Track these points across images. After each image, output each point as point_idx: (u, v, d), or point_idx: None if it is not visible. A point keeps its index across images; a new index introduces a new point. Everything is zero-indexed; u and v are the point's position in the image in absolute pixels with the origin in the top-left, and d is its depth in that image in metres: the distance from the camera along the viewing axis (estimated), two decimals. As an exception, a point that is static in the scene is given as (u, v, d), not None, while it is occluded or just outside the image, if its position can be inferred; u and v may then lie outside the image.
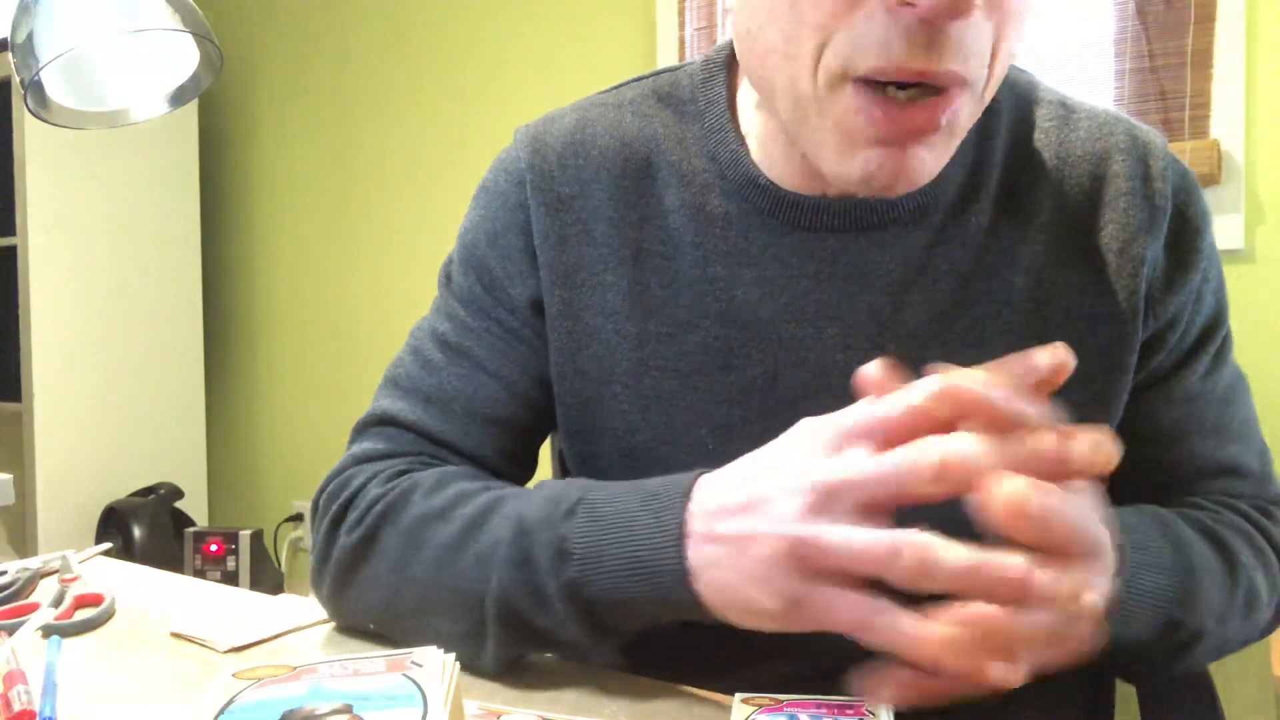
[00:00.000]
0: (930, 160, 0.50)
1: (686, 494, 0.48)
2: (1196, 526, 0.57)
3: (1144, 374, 0.60)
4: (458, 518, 0.55)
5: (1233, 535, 0.58)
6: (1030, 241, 0.58)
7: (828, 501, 0.41)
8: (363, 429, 0.66)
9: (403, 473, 0.61)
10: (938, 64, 0.46)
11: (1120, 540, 0.48)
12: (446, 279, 0.69)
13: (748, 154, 0.60)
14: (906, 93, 0.48)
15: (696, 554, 0.46)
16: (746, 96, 0.61)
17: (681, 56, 2.04)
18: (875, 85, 0.48)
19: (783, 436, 0.46)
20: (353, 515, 0.59)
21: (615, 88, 0.67)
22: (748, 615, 0.45)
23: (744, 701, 0.43)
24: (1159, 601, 0.51)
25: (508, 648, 0.53)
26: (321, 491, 0.63)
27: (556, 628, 0.51)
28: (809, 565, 0.41)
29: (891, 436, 0.41)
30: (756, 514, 0.44)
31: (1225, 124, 1.52)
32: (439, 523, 0.55)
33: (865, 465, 0.41)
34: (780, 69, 0.51)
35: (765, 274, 0.59)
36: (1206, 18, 1.52)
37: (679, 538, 0.46)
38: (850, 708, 0.42)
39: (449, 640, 0.53)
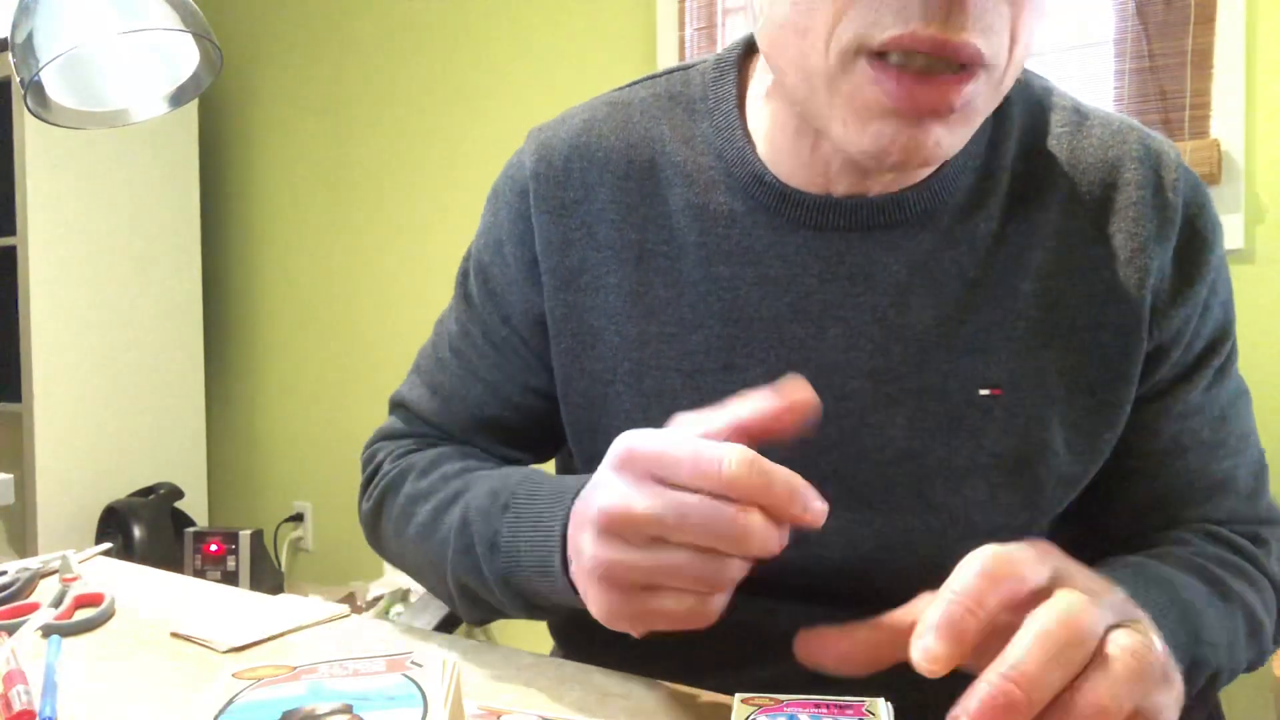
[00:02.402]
0: (946, 139, 0.49)
1: (571, 501, 0.49)
2: (1180, 564, 0.55)
3: (1146, 387, 0.59)
4: (433, 501, 0.62)
5: (1218, 566, 0.56)
6: (1038, 248, 0.57)
7: (616, 528, 0.42)
8: (393, 406, 0.76)
9: (409, 452, 0.70)
10: (955, 33, 0.45)
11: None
12: (462, 278, 0.71)
13: (754, 151, 0.60)
14: (924, 59, 0.46)
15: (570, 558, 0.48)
16: (756, 94, 0.61)
17: (681, 56, 2.04)
18: (889, 60, 0.47)
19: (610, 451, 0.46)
20: (372, 486, 0.70)
21: (629, 85, 0.67)
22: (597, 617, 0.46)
23: (744, 701, 0.43)
24: (1175, 643, 0.47)
25: (473, 613, 0.61)
26: (364, 453, 0.75)
27: (502, 606, 0.57)
28: (617, 582, 0.43)
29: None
30: (578, 529, 0.46)
31: (1225, 124, 1.52)
32: (422, 503, 0.63)
33: (643, 502, 0.41)
34: (791, 44, 0.50)
35: (769, 273, 0.58)
36: (1206, 18, 1.52)
37: (562, 541, 0.49)
38: (850, 707, 0.42)
39: (439, 596, 0.63)
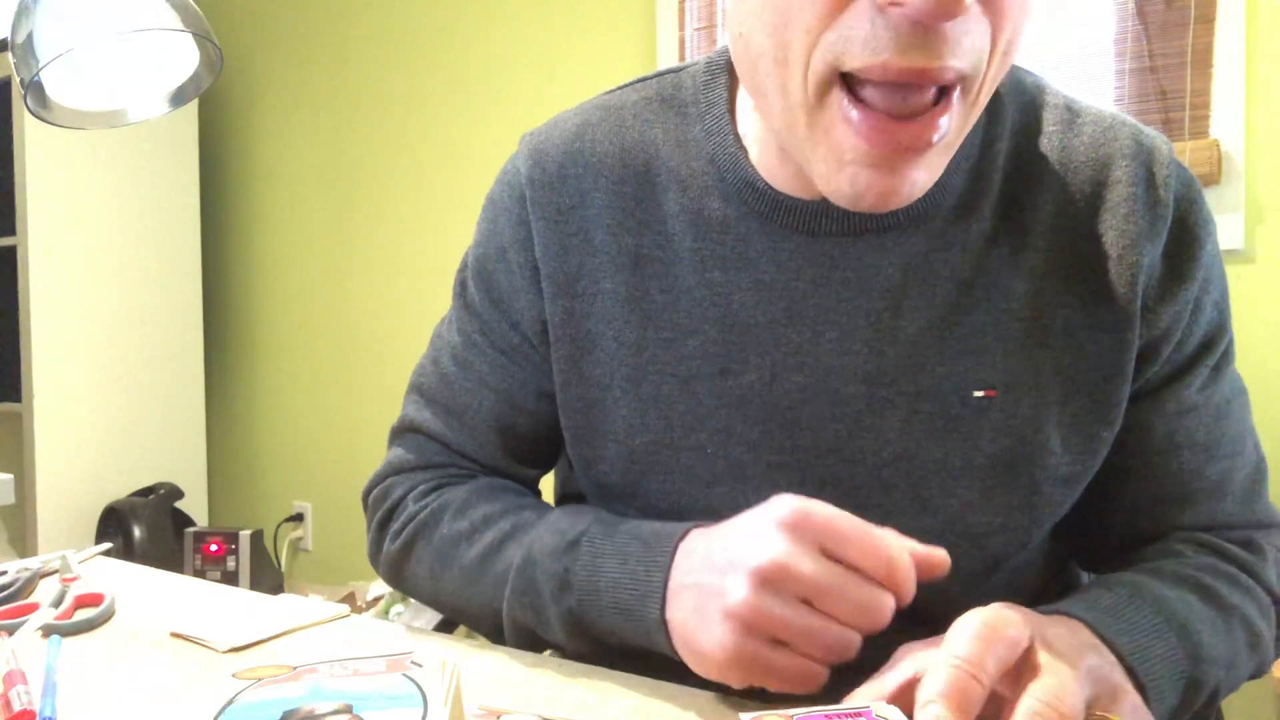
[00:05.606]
0: (923, 177, 0.49)
1: (674, 547, 0.52)
2: (1175, 580, 0.55)
3: (1138, 384, 0.58)
4: (479, 542, 0.62)
5: (1213, 578, 0.56)
6: (1031, 248, 0.57)
7: (776, 580, 0.45)
8: (398, 434, 0.74)
9: (436, 488, 0.69)
10: (932, 60, 0.44)
11: (1112, 629, 0.48)
12: (461, 288, 0.71)
13: (746, 157, 0.59)
14: (900, 98, 0.46)
15: (672, 604, 0.51)
16: (746, 99, 0.61)
17: (681, 57, 2.04)
18: (864, 99, 0.46)
19: (763, 505, 0.49)
20: (395, 525, 0.69)
21: (621, 87, 0.67)
22: (698, 660, 0.49)
23: None
24: (1174, 665, 0.49)
25: (524, 647, 0.60)
26: (370, 490, 0.73)
27: (560, 641, 0.57)
28: (755, 629, 0.46)
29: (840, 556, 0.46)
30: (719, 573, 0.48)
31: (1225, 124, 1.52)
32: (465, 544, 0.63)
33: (809, 566, 0.45)
34: (771, 74, 0.49)
35: (763, 278, 0.58)
36: (1206, 18, 1.52)
37: (662, 589, 0.51)
38: (860, 714, 0.41)
39: (481, 632, 0.64)
